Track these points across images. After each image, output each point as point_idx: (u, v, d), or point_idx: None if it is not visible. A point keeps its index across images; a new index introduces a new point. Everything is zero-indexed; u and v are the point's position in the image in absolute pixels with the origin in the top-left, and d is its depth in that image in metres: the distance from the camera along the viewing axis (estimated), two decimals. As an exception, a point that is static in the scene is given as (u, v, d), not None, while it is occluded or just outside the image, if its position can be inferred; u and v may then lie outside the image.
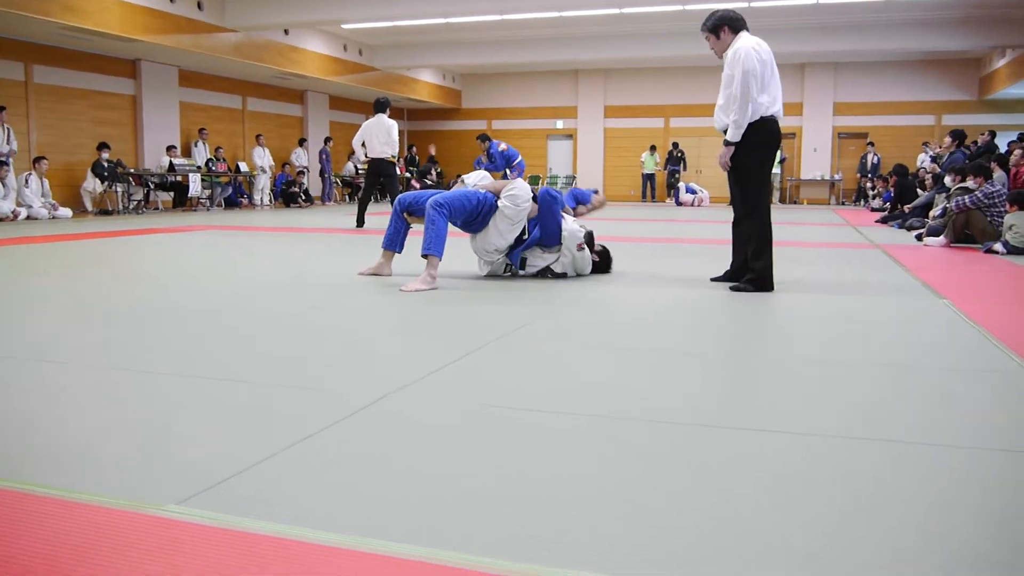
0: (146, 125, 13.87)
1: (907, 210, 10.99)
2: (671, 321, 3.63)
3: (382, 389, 2.29)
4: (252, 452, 1.77)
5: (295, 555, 1.28)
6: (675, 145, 19.75)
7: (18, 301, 3.98)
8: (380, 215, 10.91)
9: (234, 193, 15.29)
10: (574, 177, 20.95)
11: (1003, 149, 11.19)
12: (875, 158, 18.21)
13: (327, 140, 17.71)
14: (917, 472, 1.71)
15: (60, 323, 3.41)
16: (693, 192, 18.50)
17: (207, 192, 14.51)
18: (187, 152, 14.59)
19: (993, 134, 12.75)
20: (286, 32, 14.82)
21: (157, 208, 13.79)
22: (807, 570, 1.25)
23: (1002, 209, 7.33)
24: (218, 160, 14.72)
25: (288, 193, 16.20)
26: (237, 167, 15.42)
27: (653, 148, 20.09)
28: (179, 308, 3.82)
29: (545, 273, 4.92)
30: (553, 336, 3.22)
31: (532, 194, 4.81)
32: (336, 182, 18.24)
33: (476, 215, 4.68)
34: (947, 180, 9.51)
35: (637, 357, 2.82)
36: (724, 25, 4.48)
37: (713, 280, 4.84)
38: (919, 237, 8.33)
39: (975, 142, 12.54)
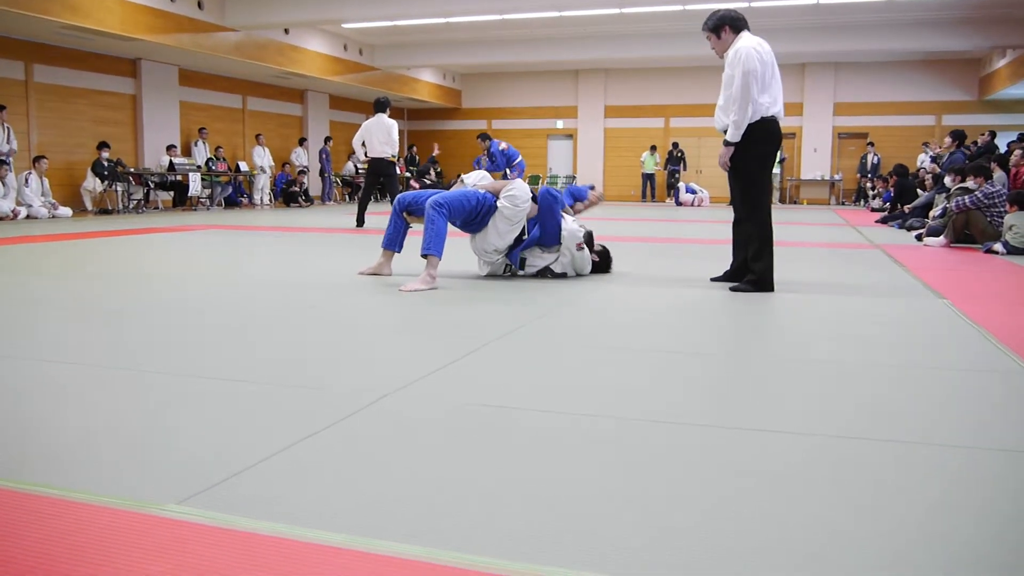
0: (146, 124, 13.87)
1: (907, 210, 10.99)
2: (671, 321, 3.63)
3: (382, 389, 2.29)
4: (252, 452, 1.77)
5: (295, 555, 1.28)
6: (675, 145, 19.76)
7: (18, 301, 3.98)
8: (380, 215, 10.91)
9: (234, 193, 15.29)
10: (574, 177, 20.96)
11: (1003, 149, 11.20)
12: (875, 158, 18.21)
13: (327, 140, 17.70)
14: (917, 472, 1.71)
15: (60, 323, 3.41)
16: (693, 192, 18.50)
17: (207, 191, 14.51)
18: (187, 151, 14.59)
19: (993, 134, 12.75)
20: (286, 31, 14.82)
21: (157, 207, 13.79)
22: (807, 570, 1.25)
23: (1002, 209, 7.33)
24: (218, 159, 14.72)
25: (288, 193, 16.20)
26: (237, 166, 15.42)
27: (653, 148, 20.10)
28: (179, 308, 3.82)
29: (545, 273, 4.92)
30: (553, 336, 3.22)
31: (531, 194, 4.81)
32: (336, 182, 18.24)
33: (475, 215, 4.68)
34: (947, 180, 9.51)
35: (637, 357, 2.82)
36: (725, 25, 4.48)
37: (713, 280, 4.84)
38: (919, 237, 8.33)
39: (975, 142, 12.54)
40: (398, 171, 10.44)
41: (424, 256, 4.49)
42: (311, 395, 2.26)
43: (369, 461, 1.73)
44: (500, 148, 11.97)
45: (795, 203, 19.58)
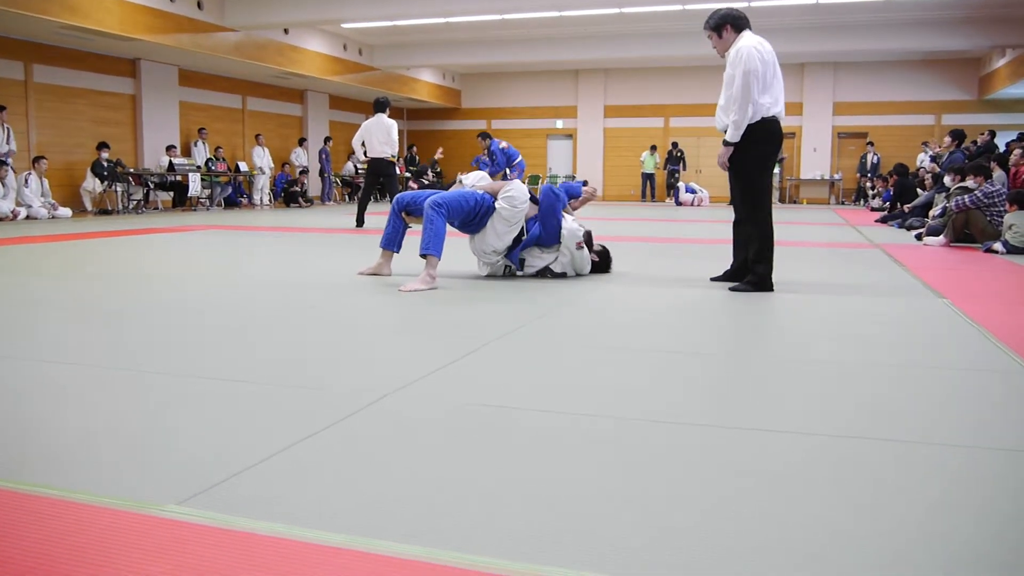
0: (146, 125, 13.87)
1: (907, 210, 11.00)
2: (671, 321, 3.63)
3: (382, 389, 2.29)
4: (252, 452, 1.77)
5: (295, 555, 1.28)
6: (675, 145, 19.76)
7: (18, 302, 3.98)
8: (380, 215, 10.91)
9: (234, 193, 15.29)
10: (573, 177, 20.96)
11: (1002, 149, 11.20)
12: (875, 158, 18.21)
13: (327, 140, 17.71)
14: (917, 471, 1.71)
15: (60, 323, 3.41)
16: (693, 192, 18.50)
17: (207, 192, 14.51)
18: (187, 152, 14.59)
19: (993, 134, 12.76)
20: (286, 31, 14.82)
21: (157, 208, 13.79)
22: (807, 570, 1.25)
23: (1002, 209, 7.33)
24: (218, 160, 14.72)
25: (289, 193, 16.21)
26: (237, 167, 15.42)
27: (653, 148, 20.10)
28: (179, 308, 3.82)
29: (544, 273, 4.92)
30: (553, 336, 3.22)
31: (530, 195, 4.81)
32: (336, 182, 18.24)
33: (474, 216, 4.68)
34: (947, 180, 9.51)
35: (637, 357, 2.82)
36: (727, 24, 4.46)
37: (713, 280, 4.84)
38: (919, 237, 8.33)
39: (975, 142, 12.54)
40: (398, 171, 10.43)
41: (423, 256, 4.49)
42: (311, 395, 2.26)
43: (369, 461, 1.73)
44: (500, 147, 11.98)
45: (795, 203, 19.59)
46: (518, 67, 20.43)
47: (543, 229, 4.76)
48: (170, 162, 13.59)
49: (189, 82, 14.90)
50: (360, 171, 17.15)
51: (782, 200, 19.21)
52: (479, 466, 1.71)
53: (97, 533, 1.35)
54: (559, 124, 21.70)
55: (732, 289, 4.46)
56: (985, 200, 7.47)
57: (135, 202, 13.00)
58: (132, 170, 13.12)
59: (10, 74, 11.73)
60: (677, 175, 19.38)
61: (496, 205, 4.69)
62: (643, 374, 2.59)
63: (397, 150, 9.65)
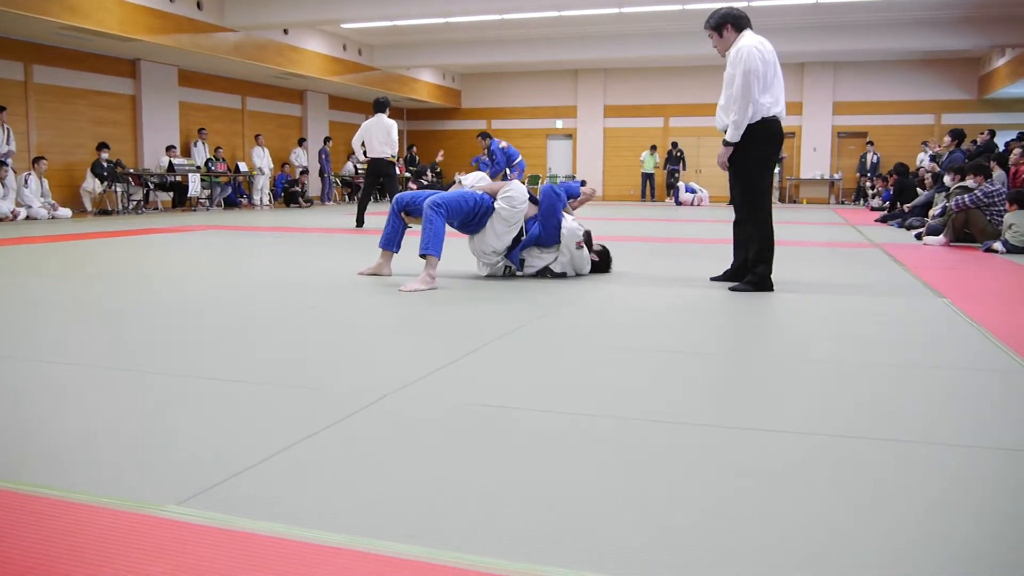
0: (145, 125, 13.87)
1: (907, 209, 11.00)
2: (671, 321, 3.63)
3: (382, 389, 2.29)
4: (252, 452, 1.77)
5: (295, 555, 1.28)
6: (674, 145, 19.76)
7: (18, 302, 3.98)
8: (380, 215, 10.91)
9: (233, 193, 15.29)
10: (573, 177, 20.96)
11: (1002, 148, 11.20)
12: (874, 157, 18.22)
13: (326, 140, 17.71)
14: (917, 471, 1.71)
15: (60, 323, 3.41)
16: (693, 192, 18.51)
17: (206, 192, 14.51)
18: (186, 152, 14.59)
19: (992, 133, 12.76)
20: (285, 32, 14.81)
21: (156, 208, 13.79)
22: (807, 570, 1.25)
23: (1001, 208, 7.33)
24: (217, 160, 14.72)
25: (290, 192, 16.21)
26: (236, 167, 15.42)
27: (653, 148, 20.10)
28: (179, 308, 3.82)
29: (544, 273, 4.92)
30: (553, 336, 3.22)
31: (529, 195, 4.81)
32: (336, 182, 18.24)
33: (473, 216, 4.68)
34: (946, 179, 9.51)
35: (637, 357, 2.82)
36: (727, 23, 4.45)
37: (713, 280, 4.83)
38: (919, 236, 8.33)
39: (974, 141, 12.55)
40: (397, 171, 10.43)
41: (422, 256, 4.49)
42: (311, 395, 2.26)
43: (369, 461, 1.73)
44: (500, 147, 11.99)
45: (795, 202, 19.59)
46: (518, 67, 20.43)
47: (543, 228, 4.76)
48: (170, 162, 13.59)
49: (189, 82, 14.90)
50: (360, 171, 17.15)
51: (782, 200, 19.21)
52: (479, 466, 1.71)
53: (96, 533, 1.35)
54: (559, 124, 21.70)
55: (732, 289, 4.45)
56: (985, 199, 7.47)
57: (135, 202, 13.00)
58: (132, 170, 13.12)
59: (10, 75, 11.73)
60: (677, 175, 19.39)
61: (495, 205, 4.69)
62: (643, 374, 2.59)
63: (397, 150, 9.65)
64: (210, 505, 1.47)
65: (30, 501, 1.49)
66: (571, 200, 5.25)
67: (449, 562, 1.26)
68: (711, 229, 9.94)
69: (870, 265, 5.91)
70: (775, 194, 18.19)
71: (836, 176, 19.72)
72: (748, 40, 4.36)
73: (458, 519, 1.43)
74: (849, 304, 4.01)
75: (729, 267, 4.83)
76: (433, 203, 4.58)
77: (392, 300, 4.08)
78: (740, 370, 2.75)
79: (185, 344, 2.98)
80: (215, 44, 13.10)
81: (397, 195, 4.99)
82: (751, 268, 4.48)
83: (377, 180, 9.80)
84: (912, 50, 16.96)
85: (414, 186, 17.60)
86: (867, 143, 18.64)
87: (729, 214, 4.95)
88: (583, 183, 5.74)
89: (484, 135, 12.28)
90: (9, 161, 10.95)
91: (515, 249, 4.80)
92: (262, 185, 15.94)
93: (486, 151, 12.04)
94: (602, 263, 5.12)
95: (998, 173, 8.65)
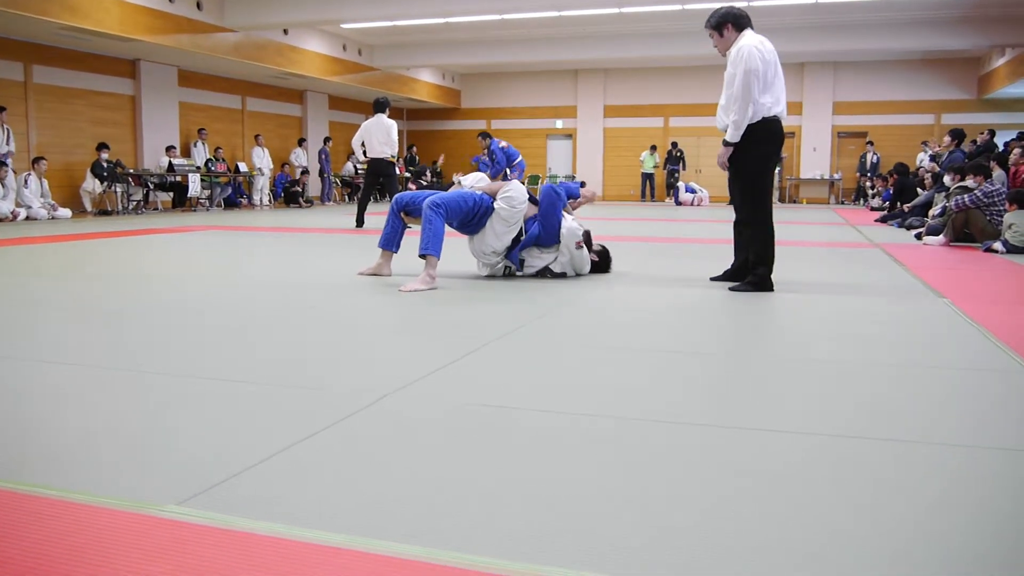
0: (145, 125, 13.87)
1: (906, 209, 11.00)
2: (671, 321, 3.63)
3: (382, 389, 2.29)
4: (252, 452, 1.77)
5: (295, 555, 1.28)
6: (674, 145, 19.77)
7: (18, 302, 3.98)
8: (380, 215, 10.90)
9: (233, 193, 15.29)
10: (573, 177, 20.96)
11: (1002, 148, 11.20)
12: (874, 157, 18.22)
13: (326, 140, 17.71)
14: (917, 471, 1.71)
15: (60, 323, 3.41)
16: (692, 192, 18.51)
17: (206, 192, 14.50)
18: (186, 152, 14.59)
19: (992, 133, 12.77)
20: (285, 32, 14.81)
21: (156, 208, 13.79)
22: (807, 570, 1.25)
23: (1001, 208, 7.33)
24: (217, 160, 14.72)
25: (291, 192, 16.21)
26: (236, 167, 15.42)
27: (653, 148, 20.11)
28: (179, 308, 3.82)
29: (544, 273, 4.92)
30: (552, 336, 3.22)
31: (529, 196, 4.81)
32: (336, 182, 18.24)
33: (472, 216, 4.68)
34: (946, 179, 9.51)
35: (636, 357, 2.82)
36: (728, 22, 4.45)
37: (713, 280, 4.83)
38: (919, 236, 8.33)
39: (974, 141, 12.55)
40: (397, 171, 10.43)
41: (422, 256, 4.49)
42: (311, 395, 2.26)
43: (369, 461, 1.73)
44: (500, 147, 11.99)
45: (795, 202, 19.59)
46: (518, 67, 20.43)
47: (542, 228, 4.76)
48: (170, 163, 13.59)
49: (189, 83, 14.90)
50: (360, 171, 17.15)
51: (782, 200, 19.22)
52: (479, 466, 1.71)
53: (96, 533, 1.35)
54: (559, 124, 21.70)
55: (732, 289, 4.45)
56: (985, 199, 7.47)
57: (135, 203, 13.00)
58: (132, 171, 13.12)
59: (10, 75, 11.73)
60: (677, 175, 19.39)
61: (495, 205, 4.69)
62: (643, 374, 2.59)
63: (397, 150, 9.65)
64: (210, 505, 1.47)
65: (30, 501, 1.49)
66: (571, 200, 5.25)
67: (449, 562, 1.26)
68: (711, 229, 9.94)
69: (870, 265, 5.91)
70: (775, 194, 18.20)
71: (836, 176, 19.73)
72: (749, 40, 4.35)
73: (458, 519, 1.43)
74: (849, 304, 4.01)
75: (729, 267, 4.83)
76: (432, 203, 4.58)
77: (392, 300, 4.08)
78: (740, 370, 2.75)
79: (185, 344, 2.97)
80: (215, 44, 13.10)
81: (397, 195, 4.99)
82: (751, 269, 4.47)
83: (377, 180, 9.80)
84: (912, 50, 16.96)
85: (413, 186, 17.61)
86: (867, 143, 18.65)
87: (729, 214, 4.96)
88: (583, 184, 5.74)
89: (484, 135, 12.29)
90: (9, 161, 10.95)
91: (515, 249, 4.80)
92: (262, 185, 15.94)
93: (486, 151, 12.04)
94: (602, 263, 5.11)
95: (998, 173, 8.65)
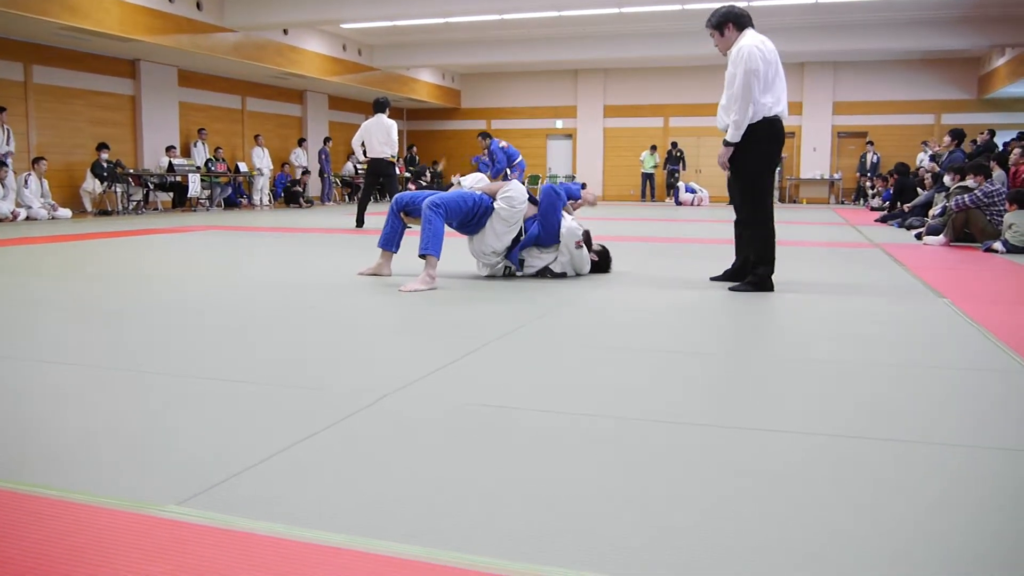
0: (145, 125, 13.87)
1: (907, 209, 11.00)
2: (670, 321, 3.63)
3: (382, 389, 2.29)
4: (252, 452, 1.77)
5: (295, 555, 1.28)
6: (674, 144, 19.77)
7: (18, 302, 3.98)
8: (380, 215, 10.90)
9: (233, 193, 15.29)
10: (573, 177, 20.96)
11: (1001, 148, 11.20)
12: (874, 157, 18.22)
13: (326, 140, 17.71)
14: (917, 471, 1.71)
15: (60, 323, 3.41)
16: (693, 192, 18.51)
17: (206, 192, 14.50)
18: (186, 152, 14.59)
19: (992, 133, 12.76)
20: (285, 32, 14.81)
21: (156, 208, 13.79)
22: (807, 570, 1.25)
23: (1001, 208, 7.33)
24: (217, 160, 14.72)
25: (292, 192, 16.21)
26: (236, 167, 15.41)
27: (653, 148, 20.10)
28: (179, 308, 3.82)
29: (544, 273, 4.92)
30: (553, 336, 3.22)
31: (529, 196, 4.81)
32: (336, 182, 18.24)
33: (472, 216, 4.68)
34: (946, 179, 9.51)
35: (636, 357, 2.82)
36: (729, 22, 4.44)
37: (713, 279, 4.83)
38: (919, 236, 8.33)
39: (974, 141, 12.55)
40: (397, 171, 10.43)
41: (422, 256, 4.49)
42: (311, 395, 2.26)
43: (369, 461, 1.73)
44: (500, 146, 12.00)
45: (795, 202, 19.60)
46: (518, 67, 20.43)
47: (542, 228, 4.76)
48: (170, 163, 13.59)
49: (188, 83, 14.90)
50: (360, 171, 17.15)
51: (782, 200, 19.22)
52: (479, 466, 1.71)
53: (96, 533, 1.35)
54: (559, 124, 21.70)
55: (732, 289, 4.45)
56: (985, 199, 7.47)
57: (135, 203, 13.00)
58: (132, 171, 13.12)
59: (10, 75, 11.73)
60: (677, 175, 19.39)
61: (495, 205, 4.69)
62: (643, 374, 2.59)
63: (397, 150, 9.65)
64: (210, 505, 1.47)
65: (30, 501, 1.49)
66: (571, 202, 5.25)
67: (449, 562, 1.26)
68: (711, 229, 9.94)
69: (870, 265, 5.91)
70: (775, 194, 18.19)
71: (836, 176, 19.73)
72: (749, 39, 4.34)
73: (458, 519, 1.43)
74: (849, 304, 4.01)
75: (729, 267, 4.82)
76: (432, 203, 4.58)
77: (392, 300, 4.08)
78: (740, 370, 2.75)
79: (185, 344, 2.97)
80: (215, 44, 13.10)
81: (396, 195, 4.99)
82: (752, 269, 4.47)
83: (377, 180, 9.80)
84: (912, 50, 16.96)
85: (413, 186, 17.61)
86: (867, 143, 18.65)
87: (729, 214, 4.95)
88: (583, 186, 5.74)
89: (484, 135, 12.29)
90: (9, 161, 10.95)
91: (514, 249, 4.80)
92: (262, 185, 15.93)
93: (486, 151, 12.05)
94: (602, 263, 5.11)
95: (998, 173, 8.65)
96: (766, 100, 4.30)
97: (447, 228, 4.64)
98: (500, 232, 4.71)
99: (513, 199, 4.68)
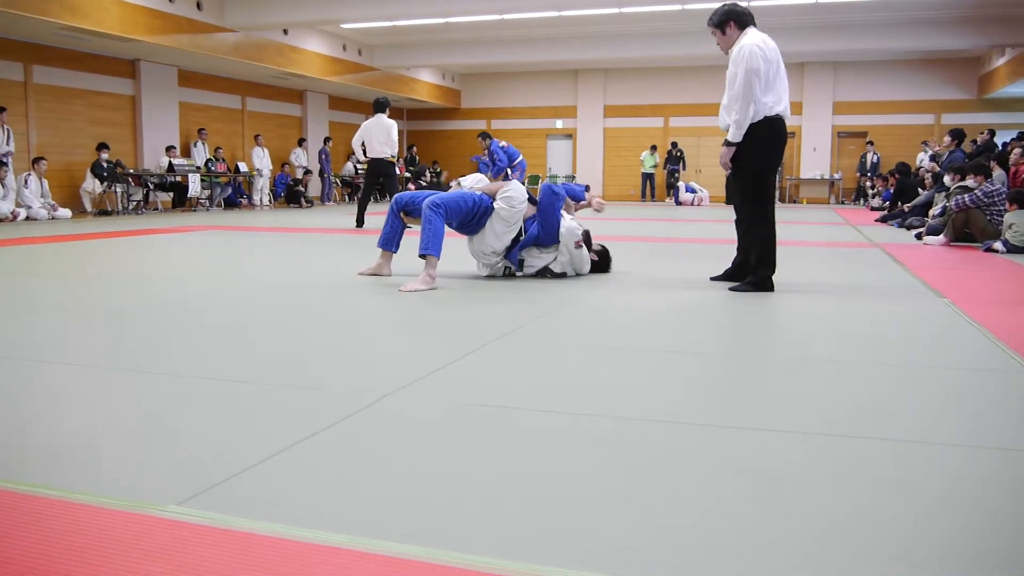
0: (145, 125, 13.87)
1: (907, 209, 11.00)
2: (671, 321, 3.63)
3: (382, 389, 2.29)
4: (252, 452, 1.77)
5: (295, 555, 1.28)
6: (674, 144, 19.77)
7: (18, 302, 3.98)
8: (380, 215, 10.90)
9: (233, 193, 15.29)
10: (573, 177, 20.97)
11: (1001, 147, 11.20)
12: (875, 157, 18.23)
13: (326, 140, 17.71)
14: (917, 471, 1.71)
15: (60, 323, 3.41)
16: (693, 191, 18.51)
17: (206, 192, 14.50)
18: (186, 152, 14.59)
19: (992, 133, 12.77)
20: (285, 32, 14.81)
21: (156, 208, 13.79)
22: (807, 570, 1.25)
23: (1002, 208, 7.33)
24: (217, 160, 14.72)
25: (293, 192, 16.21)
26: (236, 167, 15.42)
27: (653, 148, 20.10)
28: (179, 308, 3.82)
29: (544, 273, 4.92)
30: (552, 336, 3.22)
31: (528, 196, 4.81)
32: (336, 182, 18.24)
33: (472, 216, 4.68)
34: (946, 179, 9.51)
35: (636, 357, 2.82)
36: (730, 20, 4.43)
37: (713, 279, 4.83)
38: (919, 236, 8.33)
39: (974, 141, 12.55)
40: (397, 171, 10.44)
41: (422, 256, 4.49)
42: (311, 395, 2.26)
43: (369, 461, 1.73)
44: (500, 146, 12.01)
45: (795, 202, 19.60)
46: (518, 67, 20.43)
47: (542, 228, 4.76)
48: (170, 163, 13.59)
49: (188, 83, 14.90)
50: (360, 171, 17.14)
51: (782, 200, 19.21)
52: (479, 466, 1.71)
53: (96, 533, 1.35)
54: (559, 124, 21.70)
55: (732, 289, 4.45)
56: (985, 199, 7.47)
57: (135, 203, 13.00)
58: (132, 171, 13.12)
59: (10, 75, 11.73)
60: (677, 175, 19.39)
61: (494, 205, 4.69)
62: (643, 374, 2.58)
63: (397, 150, 9.65)
64: (210, 505, 1.47)
65: (30, 501, 1.49)
66: (572, 201, 5.25)
67: (449, 562, 1.26)
68: (711, 229, 9.94)
69: (870, 265, 5.91)
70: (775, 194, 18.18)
71: (836, 176, 19.73)
72: (751, 38, 4.33)
73: (458, 519, 1.43)
74: (849, 304, 4.01)
75: (729, 266, 4.82)
76: (432, 203, 4.58)
77: (392, 300, 4.08)
78: (740, 370, 2.75)
79: (185, 344, 2.97)
80: (215, 44, 13.10)
81: (396, 195, 4.99)
82: (753, 269, 4.46)
83: (377, 180, 9.79)
84: (912, 50, 16.96)
85: (413, 186, 17.61)
86: (867, 143, 18.65)
87: (729, 214, 4.95)
88: (587, 188, 5.73)
89: (484, 135, 12.31)
90: (9, 161, 10.94)
91: (514, 249, 4.80)
92: (262, 185, 15.93)
93: (486, 151, 12.05)
94: (602, 263, 5.11)
95: (998, 173, 8.65)
96: (767, 99, 4.29)
97: (447, 228, 4.65)
98: (500, 232, 4.71)
99: (513, 199, 4.68)
